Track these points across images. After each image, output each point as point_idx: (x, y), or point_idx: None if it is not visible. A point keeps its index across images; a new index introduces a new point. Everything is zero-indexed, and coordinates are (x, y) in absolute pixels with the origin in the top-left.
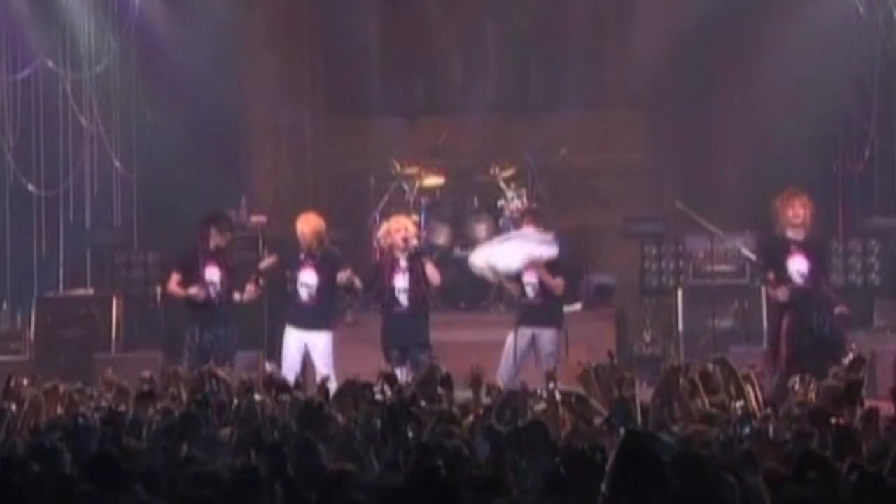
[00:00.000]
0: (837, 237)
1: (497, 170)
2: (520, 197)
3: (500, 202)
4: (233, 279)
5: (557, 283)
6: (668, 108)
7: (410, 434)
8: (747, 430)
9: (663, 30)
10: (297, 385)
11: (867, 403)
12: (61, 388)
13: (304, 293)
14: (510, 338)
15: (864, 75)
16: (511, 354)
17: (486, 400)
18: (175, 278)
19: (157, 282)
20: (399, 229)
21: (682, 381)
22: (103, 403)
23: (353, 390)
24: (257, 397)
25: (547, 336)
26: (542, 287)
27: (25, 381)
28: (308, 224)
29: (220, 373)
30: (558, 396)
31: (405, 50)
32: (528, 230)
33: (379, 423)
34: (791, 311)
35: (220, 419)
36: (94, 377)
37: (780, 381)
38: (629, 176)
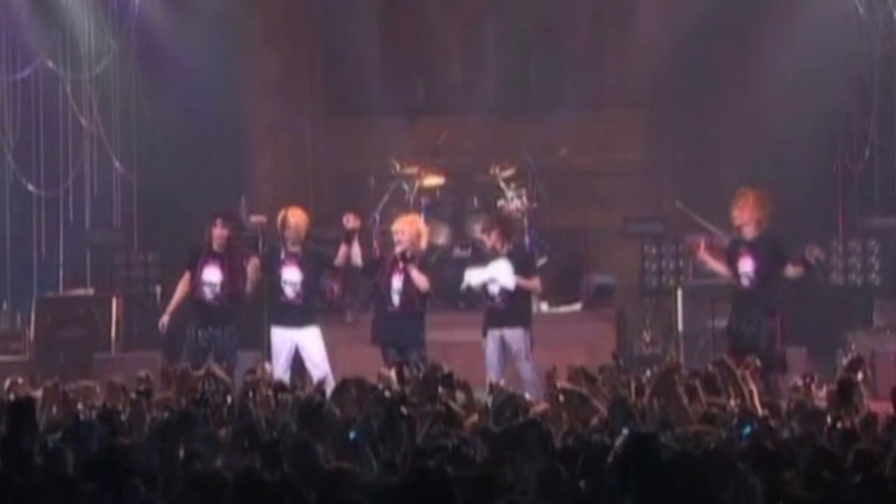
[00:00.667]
0: (837, 237)
1: (497, 170)
2: (519, 197)
3: (500, 202)
4: (237, 280)
5: (534, 285)
6: (667, 108)
7: (406, 434)
8: (747, 430)
9: (663, 30)
10: (295, 386)
11: (867, 404)
12: (60, 387)
13: (289, 291)
14: (483, 343)
15: (864, 75)
16: (488, 360)
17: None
18: (185, 277)
19: (156, 282)
20: (396, 231)
21: (677, 381)
22: (97, 403)
23: (361, 385)
24: (256, 397)
25: (512, 335)
26: (507, 290)
27: (20, 380)
28: (298, 215)
29: (219, 372)
30: (561, 397)
31: (405, 50)
32: (500, 264)
33: (377, 422)
34: (732, 313)
35: (218, 418)
36: (94, 377)
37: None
38: (629, 176)
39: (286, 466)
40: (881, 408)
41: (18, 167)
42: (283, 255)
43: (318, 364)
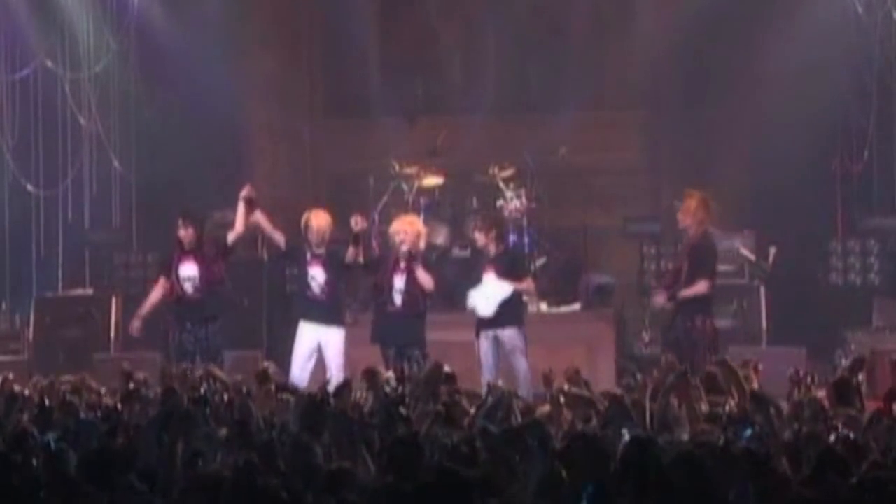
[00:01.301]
0: (836, 237)
1: (496, 170)
2: (519, 197)
3: (500, 202)
4: (213, 269)
5: (526, 286)
6: (667, 108)
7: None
8: (749, 431)
9: (662, 30)
10: (296, 390)
11: (867, 404)
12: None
13: (315, 287)
14: (476, 345)
15: (863, 75)
16: (483, 360)
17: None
18: (160, 283)
19: (156, 282)
20: (399, 231)
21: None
22: (93, 398)
23: (373, 378)
24: (258, 396)
25: (506, 334)
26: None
27: (11, 375)
28: (322, 218)
29: (218, 372)
30: (561, 398)
31: (404, 50)
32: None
33: (376, 422)
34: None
35: (218, 418)
36: (93, 377)
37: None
38: (628, 176)
39: (283, 466)
40: (878, 407)
41: (17, 167)
42: (308, 256)
43: (335, 367)
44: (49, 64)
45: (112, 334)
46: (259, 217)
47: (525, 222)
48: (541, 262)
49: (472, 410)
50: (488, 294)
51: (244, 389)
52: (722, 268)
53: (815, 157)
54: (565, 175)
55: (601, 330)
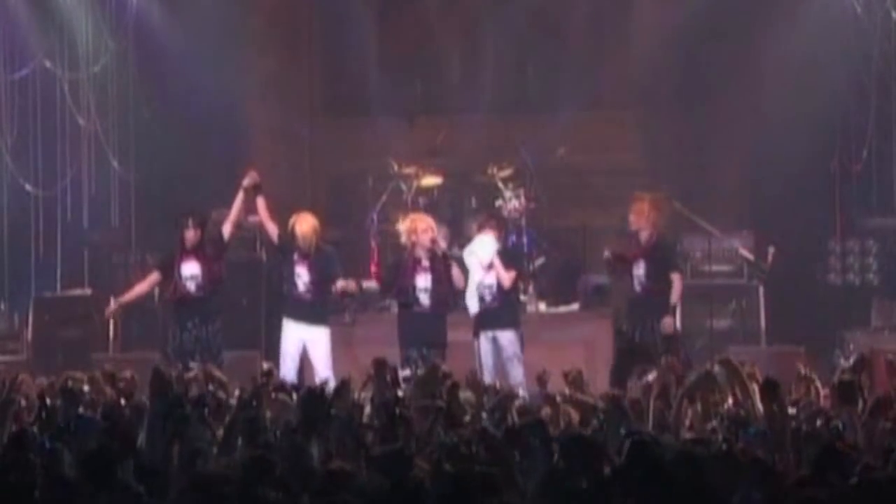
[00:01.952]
0: (835, 237)
1: (495, 170)
2: (517, 197)
3: (498, 202)
4: (214, 267)
5: (507, 275)
6: (665, 108)
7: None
8: (752, 430)
9: (661, 31)
10: (296, 388)
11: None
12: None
13: (300, 285)
14: (475, 345)
15: (862, 75)
16: (483, 360)
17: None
18: (151, 276)
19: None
20: (426, 229)
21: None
22: (94, 396)
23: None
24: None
25: (505, 337)
26: (500, 290)
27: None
28: (307, 223)
29: (216, 372)
30: (558, 398)
31: (404, 50)
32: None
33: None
34: (625, 318)
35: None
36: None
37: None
38: (627, 176)
39: (280, 468)
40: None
41: (16, 167)
42: (296, 255)
43: (322, 367)
44: (48, 64)
45: (111, 334)
46: (260, 203)
47: (524, 222)
48: (539, 262)
49: (475, 401)
50: (479, 254)
51: (248, 390)
52: (721, 268)
53: (814, 157)
54: (564, 175)
55: (600, 330)
